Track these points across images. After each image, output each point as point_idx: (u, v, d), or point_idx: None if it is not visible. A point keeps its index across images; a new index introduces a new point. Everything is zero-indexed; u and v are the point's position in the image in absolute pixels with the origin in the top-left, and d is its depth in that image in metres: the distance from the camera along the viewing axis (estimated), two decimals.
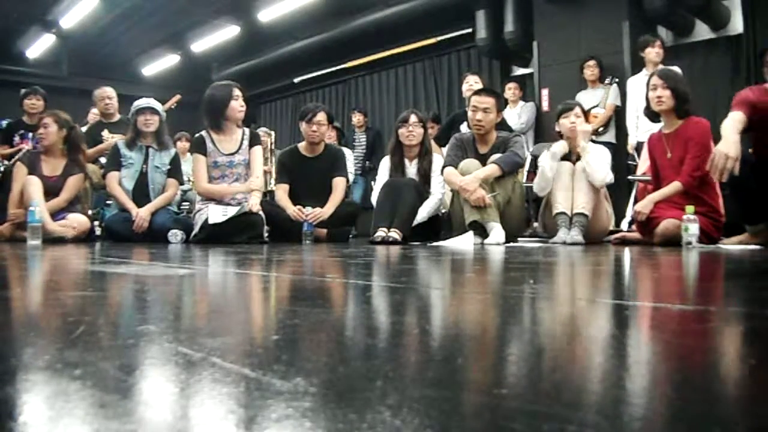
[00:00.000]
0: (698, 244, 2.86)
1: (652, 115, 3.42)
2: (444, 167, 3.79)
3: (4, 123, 5.21)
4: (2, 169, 4.61)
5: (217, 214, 3.71)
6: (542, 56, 6.05)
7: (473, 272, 1.78)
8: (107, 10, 7.93)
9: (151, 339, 0.67)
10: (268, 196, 4.78)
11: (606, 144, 4.65)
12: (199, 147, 4.00)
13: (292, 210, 4.01)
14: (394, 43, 7.99)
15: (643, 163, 4.02)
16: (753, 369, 0.55)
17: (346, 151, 5.20)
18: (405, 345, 0.68)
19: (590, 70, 5.38)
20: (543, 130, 5.92)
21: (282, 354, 0.60)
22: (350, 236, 4.62)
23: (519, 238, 3.90)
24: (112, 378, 0.50)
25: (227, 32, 8.79)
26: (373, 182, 4.45)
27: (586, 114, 3.84)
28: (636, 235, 3.40)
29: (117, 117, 5.08)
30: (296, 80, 9.79)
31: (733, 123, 2.74)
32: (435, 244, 3.50)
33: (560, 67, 5.82)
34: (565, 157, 3.66)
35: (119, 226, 3.98)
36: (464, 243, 3.41)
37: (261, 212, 3.84)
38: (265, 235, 3.92)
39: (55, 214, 3.90)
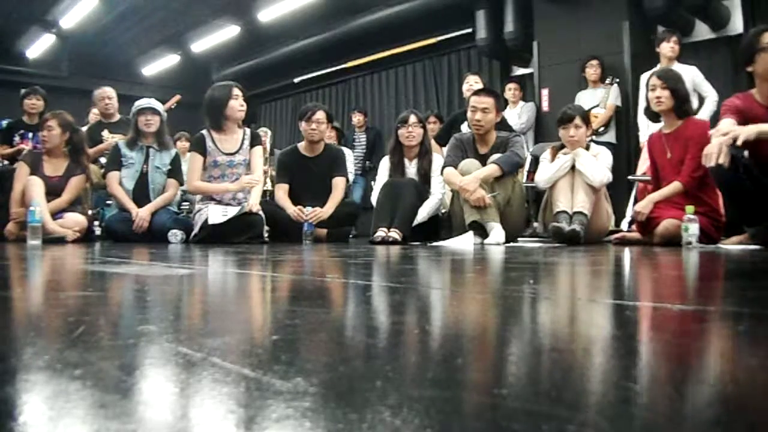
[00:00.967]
0: (698, 244, 2.86)
1: (652, 116, 3.42)
2: (444, 167, 3.79)
3: (4, 123, 5.20)
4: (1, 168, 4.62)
5: (217, 214, 3.71)
6: (542, 56, 6.05)
7: (473, 272, 1.78)
8: (107, 10, 7.93)
9: (151, 339, 0.67)
10: (268, 196, 4.78)
11: (606, 144, 4.65)
12: (197, 146, 4.01)
13: (292, 210, 4.01)
14: (394, 43, 7.98)
15: (643, 163, 4.02)
16: (753, 369, 0.54)
17: (346, 151, 5.20)
18: (405, 345, 0.68)
19: (593, 69, 5.37)
20: (543, 130, 5.92)
21: (282, 354, 0.60)
22: (350, 236, 4.62)
23: (519, 238, 3.90)
24: (112, 378, 0.50)
25: (227, 32, 8.79)
26: (373, 182, 4.45)
27: (587, 118, 3.81)
28: (636, 235, 3.39)
29: (117, 117, 5.08)
30: (296, 80, 9.79)
31: (725, 125, 2.78)
32: (435, 244, 3.50)
33: (560, 67, 5.82)
34: None
35: (119, 226, 3.99)
36: (464, 243, 3.41)
37: (261, 212, 3.85)
38: (265, 235, 3.92)
39: (54, 214, 3.90)
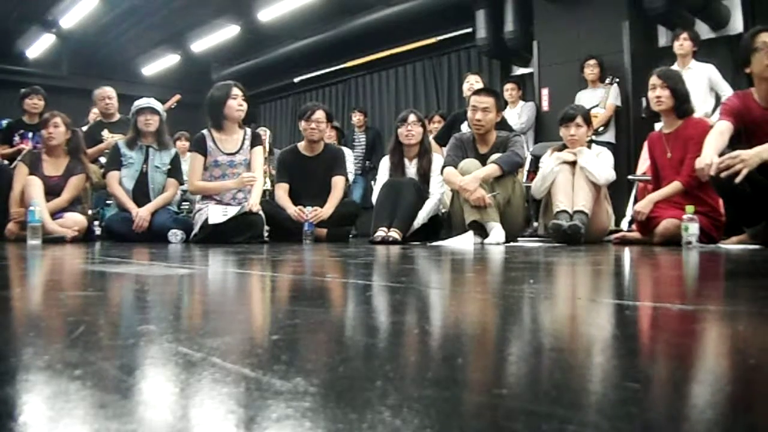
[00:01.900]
0: (698, 244, 2.86)
1: (652, 115, 3.42)
2: (444, 167, 3.79)
3: (4, 123, 5.20)
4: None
5: (217, 214, 3.71)
6: (542, 56, 6.04)
7: (473, 272, 1.78)
8: (107, 10, 7.92)
9: (151, 339, 0.67)
10: (268, 196, 4.78)
11: (605, 144, 4.65)
12: (198, 146, 4.01)
13: (293, 210, 4.01)
14: (394, 43, 7.98)
15: (643, 163, 4.02)
16: (753, 368, 0.54)
17: (346, 150, 5.20)
18: (405, 345, 0.68)
19: (590, 70, 5.37)
20: (543, 129, 5.92)
21: (282, 354, 0.60)
22: (350, 236, 4.62)
23: (519, 238, 3.90)
24: (112, 378, 0.50)
25: (227, 32, 8.79)
26: (373, 182, 4.45)
27: (589, 118, 3.81)
28: (636, 234, 3.39)
29: (117, 117, 5.08)
30: (296, 80, 9.79)
31: (715, 138, 2.78)
32: (435, 243, 3.50)
33: (560, 67, 5.82)
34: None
35: (119, 226, 3.98)
36: (464, 243, 3.41)
37: (261, 212, 3.85)
38: (266, 235, 3.92)
39: (54, 214, 3.91)
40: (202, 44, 9.18)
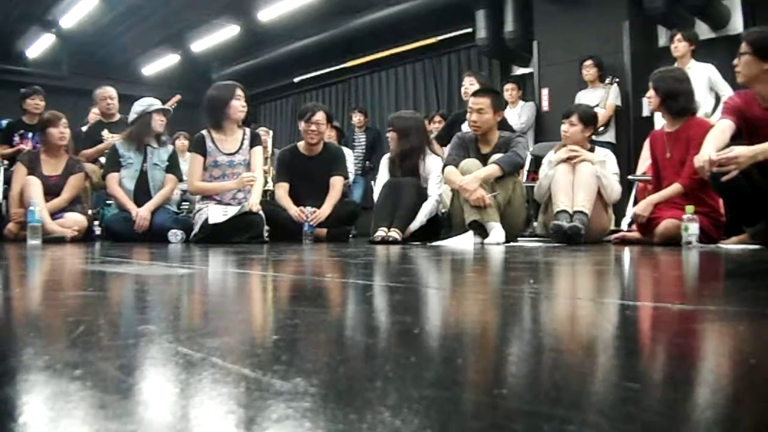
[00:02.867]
0: (698, 244, 2.86)
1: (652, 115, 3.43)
2: (444, 166, 3.79)
3: (4, 123, 5.20)
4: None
5: (217, 214, 3.71)
6: (542, 56, 6.04)
7: (473, 272, 1.78)
8: (107, 10, 7.91)
9: (151, 339, 0.67)
10: (268, 196, 4.78)
11: (606, 144, 4.64)
12: (197, 146, 4.00)
13: (294, 211, 4.01)
14: (394, 43, 7.98)
15: (643, 163, 4.01)
16: (753, 368, 0.54)
17: (346, 150, 5.19)
18: (405, 345, 0.68)
19: (587, 70, 5.37)
20: (543, 129, 5.92)
21: (282, 354, 0.60)
22: (350, 236, 4.62)
23: (519, 238, 3.90)
24: (112, 378, 0.50)
25: (227, 32, 8.78)
26: (373, 182, 4.44)
27: (590, 118, 3.80)
28: (636, 234, 3.39)
29: (117, 117, 5.07)
30: (296, 80, 9.79)
31: (716, 136, 2.79)
32: (435, 243, 3.50)
33: (560, 67, 5.82)
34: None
35: (119, 226, 3.98)
36: (464, 243, 3.41)
37: (261, 212, 3.85)
38: (265, 234, 3.92)
39: (54, 213, 3.91)
40: (202, 44, 9.18)
